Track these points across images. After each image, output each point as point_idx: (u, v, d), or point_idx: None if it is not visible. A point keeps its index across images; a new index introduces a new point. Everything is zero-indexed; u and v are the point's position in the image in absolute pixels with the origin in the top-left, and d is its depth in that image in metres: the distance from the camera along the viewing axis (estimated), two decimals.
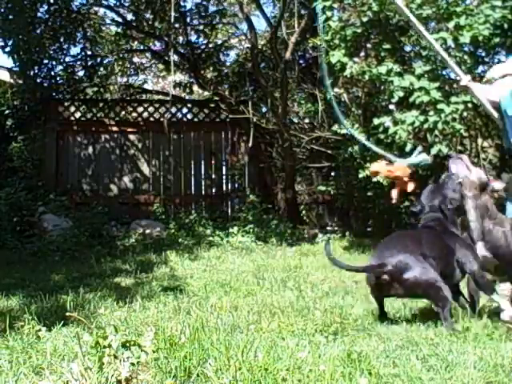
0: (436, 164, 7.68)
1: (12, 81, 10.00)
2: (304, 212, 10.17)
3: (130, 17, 10.66)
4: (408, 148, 6.43)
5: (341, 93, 7.28)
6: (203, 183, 10.48)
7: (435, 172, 7.88)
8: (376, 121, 6.53)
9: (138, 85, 12.01)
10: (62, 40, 9.82)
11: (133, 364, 2.17)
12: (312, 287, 4.43)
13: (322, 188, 9.01)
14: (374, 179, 6.87)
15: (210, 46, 10.78)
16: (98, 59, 10.63)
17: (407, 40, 6.84)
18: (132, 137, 10.37)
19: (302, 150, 9.65)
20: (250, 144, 9.24)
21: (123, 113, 10.56)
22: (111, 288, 4.42)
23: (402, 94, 6.28)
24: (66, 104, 10.42)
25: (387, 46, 6.75)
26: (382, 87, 6.71)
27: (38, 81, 9.80)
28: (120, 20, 10.53)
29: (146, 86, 12.48)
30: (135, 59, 11.98)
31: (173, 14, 8.80)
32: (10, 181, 8.69)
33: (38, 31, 9.36)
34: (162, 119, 10.04)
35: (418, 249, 3.28)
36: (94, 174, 10.20)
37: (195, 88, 11.30)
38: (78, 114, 10.49)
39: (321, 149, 9.07)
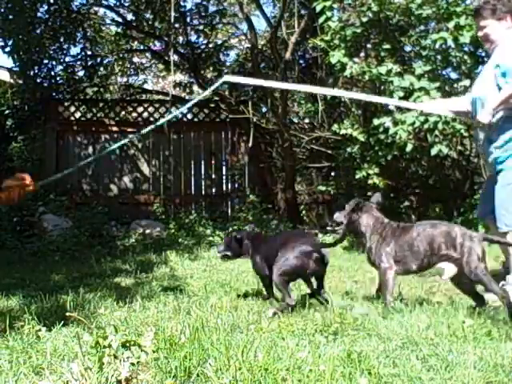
0: (436, 164, 7.71)
1: (12, 81, 10.01)
2: (304, 212, 10.18)
3: (130, 17, 10.67)
4: (409, 148, 6.44)
5: None
6: (203, 183, 10.49)
7: (435, 172, 7.91)
8: (376, 121, 6.54)
9: (137, 85, 12.03)
10: (61, 40, 9.82)
11: (133, 364, 2.17)
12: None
13: (322, 188, 9.02)
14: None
15: (210, 46, 10.80)
16: (98, 59, 10.64)
17: (407, 40, 6.85)
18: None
19: (301, 150, 9.66)
20: (250, 144, 9.24)
21: (123, 113, 10.56)
22: (111, 288, 4.42)
23: (401, 94, 6.29)
24: (66, 104, 10.43)
25: (387, 46, 6.76)
26: (382, 87, 6.72)
27: (38, 81, 9.80)
28: (120, 20, 10.54)
29: (146, 86, 12.51)
30: (135, 59, 12.00)
31: (173, 13, 8.80)
32: None
33: (38, 31, 9.35)
34: (161, 119, 10.04)
35: None
36: (94, 174, 10.21)
37: (195, 88, 11.31)
38: (78, 114, 10.49)
39: (321, 149, 9.08)
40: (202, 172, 10.52)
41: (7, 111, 10.12)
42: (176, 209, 9.84)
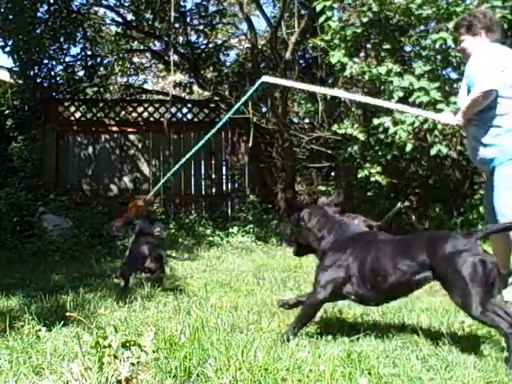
0: (436, 164, 7.71)
1: (12, 81, 10.01)
2: None
3: (130, 17, 10.67)
4: (408, 148, 6.44)
5: None
6: (203, 183, 10.49)
7: (435, 172, 7.91)
8: (376, 121, 6.54)
9: (138, 85, 12.03)
10: (62, 40, 9.82)
11: (133, 364, 2.17)
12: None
13: (322, 188, 9.01)
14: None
15: (210, 45, 10.79)
16: (98, 59, 10.64)
17: (407, 40, 6.85)
18: (132, 137, 10.38)
19: (301, 149, 9.66)
20: (250, 144, 9.24)
21: (123, 113, 10.56)
22: (111, 288, 4.42)
23: (401, 94, 6.29)
24: (66, 104, 10.42)
25: (387, 46, 6.76)
26: (382, 87, 6.72)
27: (38, 81, 9.80)
28: (120, 20, 10.54)
29: (146, 86, 12.51)
30: (135, 59, 12.00)
31: (173, 13, 8.80)
32: (9, 181, 8.69)
33: (38, 31, 9.35)
34: (161, 119, 10.04)
35: None
36: (94, 174, 10.21)
37: (195, 88, 11.31)
38: (78, 114, 10.49)
39: (321, 149, 9.08)
40: (202, 172, 10.52)
41: (7, 111, 10.12)
42: (176, 209, 9.84)
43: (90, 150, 10.27)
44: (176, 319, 3.26)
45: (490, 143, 3.80)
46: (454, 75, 6.72)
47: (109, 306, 3.68)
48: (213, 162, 10.48)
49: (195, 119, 10.68)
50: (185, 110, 10.68)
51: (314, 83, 8.40)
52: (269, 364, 2.26)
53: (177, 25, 10.10)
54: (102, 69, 10.78)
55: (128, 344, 2.22)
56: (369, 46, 7.11)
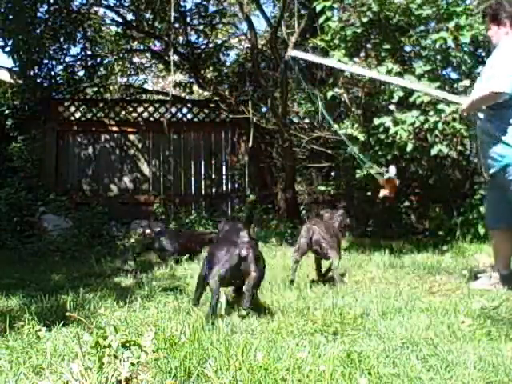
0: (436, 164, 7.71)
1: (12, 81, 10.00)
2: (304, 212, 10.17)
3: (130, 17, 10.66)
4: (409, 148, 6.45)
5: (341, 93, 7.28)
6: (203, 183, 10.49)
7: (435, 172, 7.91)
8: (376, 121, 6.54)
9: (138, 85, 12.01)
10: (61, 40, 9.82)
11: (133, 364, 2.17)
12: (312, 287, 4.43)
13: (322, 188, 9.01)
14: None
15: (210, 45, 10.78)
16: (98, 59, 10.63)
17: (407, 40, 6.84)
18: (132, 137, 10.38)
19: (301, 149, 9.65)
20: (250, 144, 9.23)
21: (123, 113, 10.56)
22: (111, 288, 4.42)
23: (401, 93, 6.28)
24: (66, 104, 10.42)
25: (387, 46, 6.76)
26: (382, 87, 6.72)
27: (38, 81, 9.80)
28: (120, 20, 10.53)
29: (146, 86, 12.49)
30: (135, 59, 11.98)
31: (173, 13, 8.79)
32: (9, 181, 8.69)
33: (38, 31, 9.35)
34: (161, 119, 10.03)
35: None
36: (94, 174, 10.21)
37: (195, 88, 11.30)
38: (78, 114, 10.49)
39: (321, 149, 9.07)
40: (202, 172, 10.51)
41: (7, 111, 10.11)
42: (176, 209, 9.84)
43: (90, 150, 10.27)
44: (176, 319, 3.26)
45: (509, 142, 3.79)
46: (454, 75, 6.73)
47: (109, 305, 3.68)
48: (213, 162, 10.48)
49: (195, 119, 10.68)
50: (185, 110, 10.67)
51: (314, 83, 8.42)
52: (269, 364, 2.26)
53: (177, 25, 10.10)
54: (102, 69, 10.77)
55: (128, 344, 2.22)
56: (369, 46, 7.10)
